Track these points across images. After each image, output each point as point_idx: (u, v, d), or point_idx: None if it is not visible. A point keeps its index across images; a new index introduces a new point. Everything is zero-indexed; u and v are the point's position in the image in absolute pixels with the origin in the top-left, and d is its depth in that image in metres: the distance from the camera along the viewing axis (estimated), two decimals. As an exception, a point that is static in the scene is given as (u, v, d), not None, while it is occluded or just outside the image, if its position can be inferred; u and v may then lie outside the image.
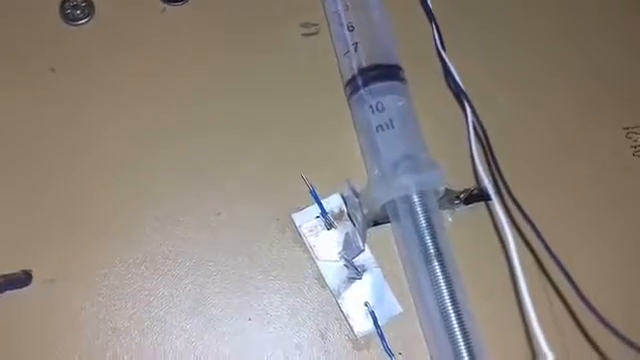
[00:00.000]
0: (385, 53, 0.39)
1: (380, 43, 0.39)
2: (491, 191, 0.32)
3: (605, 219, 0.39)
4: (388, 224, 0.37)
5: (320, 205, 0.37)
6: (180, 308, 0.36)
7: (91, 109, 0.40)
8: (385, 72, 0.38)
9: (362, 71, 0.38)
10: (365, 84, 0.37)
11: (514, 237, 0.30)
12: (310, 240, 0.36)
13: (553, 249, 0.31)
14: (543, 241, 0.31)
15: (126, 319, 0.35)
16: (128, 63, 0.41)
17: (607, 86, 0.42)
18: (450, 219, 0.38)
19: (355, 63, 0.38)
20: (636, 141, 0.40)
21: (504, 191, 0.33)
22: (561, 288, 0.36)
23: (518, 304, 0.35)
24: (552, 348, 0.28)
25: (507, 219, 0.31)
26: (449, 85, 0.40)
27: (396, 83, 0.38)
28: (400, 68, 0.38)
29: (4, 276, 0.36)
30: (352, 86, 0.38)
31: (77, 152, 0.39)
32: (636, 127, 0.40)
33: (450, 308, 0.33)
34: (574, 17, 0.44)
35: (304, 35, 0.42)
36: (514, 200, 0.33)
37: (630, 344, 0.28)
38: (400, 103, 0.37)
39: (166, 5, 0.42)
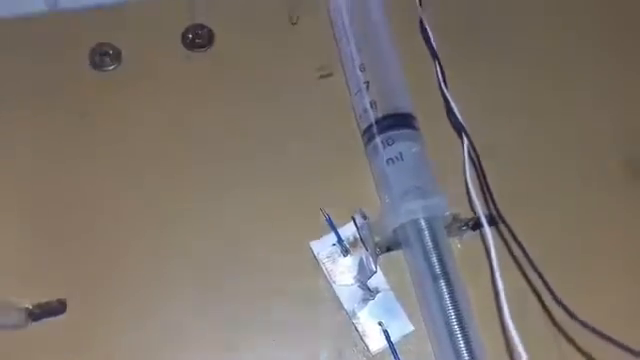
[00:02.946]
0: (398, 101, 0.46)
1: (392, 86, 0.47)
2: (484, 219, 0.39)
3: (605, 244, 0.45)
4: (400, 250, 0.44)
5: (336, 233, 0.44)
6: (207, 337, 0.42)
7: (119, 151, 0.48)
8: (399, 121, 0.45)
9: (377, 121, 0.45)
10: (380, 132, 0.45)
11: (499, 262, 0.37)
12: (327, 266, 0.43)
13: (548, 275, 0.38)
14: (531, 262, 0.38)
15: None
16: (154, 107, 0.49)
17: (610, 116, 0.49)
18: (459, 245, 0.44)
19: (369, 106, 0.45)
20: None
21: (498, 218, 0.41)
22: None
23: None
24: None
25: (494, 245, 0.38)
26: (450, 120, 0.47)
27: (410, 131, 0.45)
28: (413, 117, 0.46)
29: (40, 305, 0.43)
30: (369, 134, 0.45)
31: (107, 191, 0.46)
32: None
33: (456, 325, 0.39)
34: (575, 52, 0.51)
35: (320, 77, 0.50)
36: (507, 226, 0.40)
37: (625, 348, 0.34)
38: (414, 150, 0.44)
39: (190, 52, 0.50)
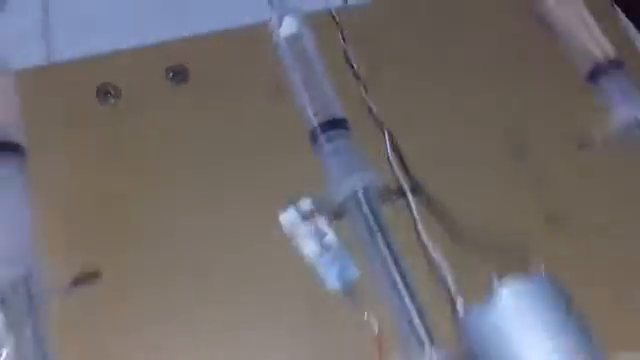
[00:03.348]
0: (333, 110, 0.63)
1: (327, 100, 0.63)
2: (405, 189, 0.57)
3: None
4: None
5: (296, 208, 0.59)
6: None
7: (117, 171, 0.63)
8: (335, 124, 0.62)
9: (320, 124, 0.62)
10: (323, 132, 0.61)
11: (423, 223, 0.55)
12: (292, 231, 0.58)
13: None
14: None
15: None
16: (147, 129, 0.64)
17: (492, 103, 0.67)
18: (392, 211, 0.59)
19: (312, 115, 0.62)
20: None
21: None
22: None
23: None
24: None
25: (417, 209, 0.57)
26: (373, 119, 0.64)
27: (343, 130, 0.62)
28: (345, 120, 0.62)
29: (78, 275, 0.55)
30: (314, 135, 0.62)
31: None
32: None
33: (392, 267, 0.54)
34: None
35: (271, 95, 0.66)
36: (427, 195, 0.59)
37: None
38: (348, 143, 0.61)
39: (172, 85, 0.66)
